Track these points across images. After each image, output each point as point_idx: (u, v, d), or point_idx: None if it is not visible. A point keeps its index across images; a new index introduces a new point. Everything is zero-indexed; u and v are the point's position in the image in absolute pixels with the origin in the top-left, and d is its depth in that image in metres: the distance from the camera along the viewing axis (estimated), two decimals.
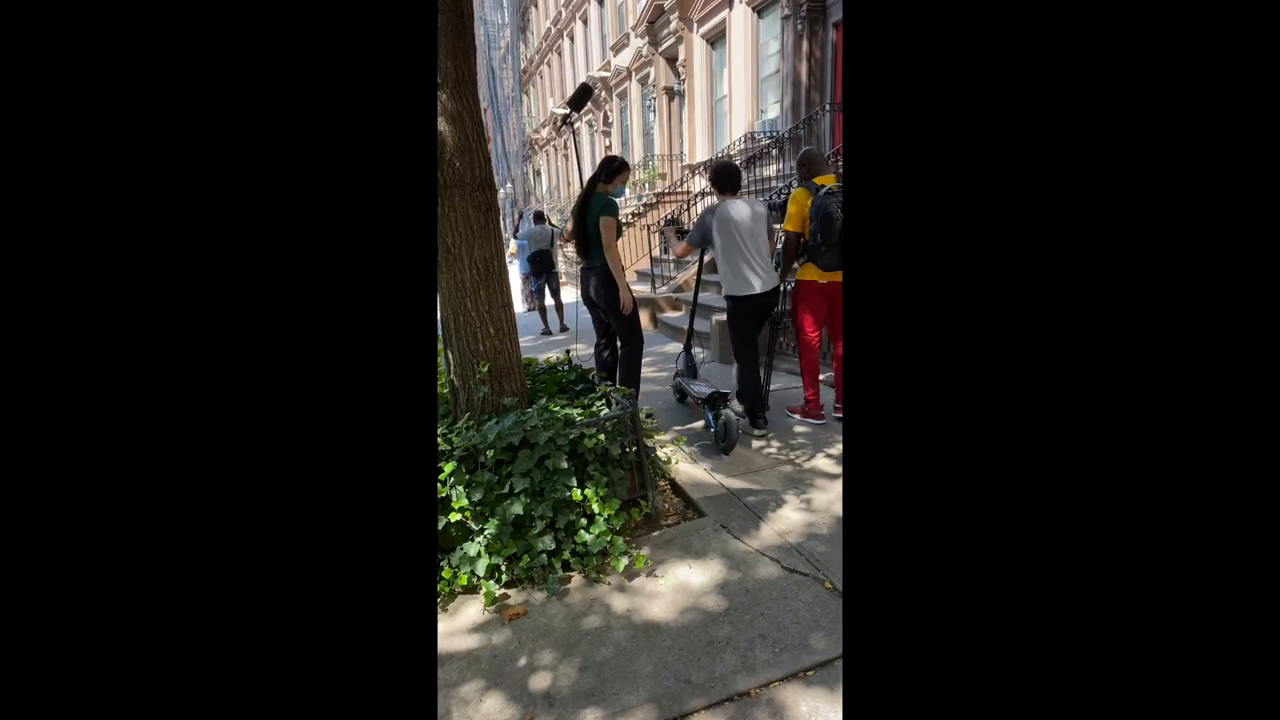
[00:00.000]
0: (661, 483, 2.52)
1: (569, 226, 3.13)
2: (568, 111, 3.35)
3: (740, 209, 2.84)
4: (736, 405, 2.79)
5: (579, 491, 1.97)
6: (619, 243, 3.04)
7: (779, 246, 3.30)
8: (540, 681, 1.52)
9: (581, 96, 3.33)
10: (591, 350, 3.43)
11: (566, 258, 11.31)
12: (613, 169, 3.05)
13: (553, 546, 1.91)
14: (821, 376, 3.28)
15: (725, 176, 2.91)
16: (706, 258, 3.75)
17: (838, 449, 2.76)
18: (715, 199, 3.02)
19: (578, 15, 17.56)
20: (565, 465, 1.96)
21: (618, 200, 3.17)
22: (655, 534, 2.17)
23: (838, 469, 2.56)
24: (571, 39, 18.43)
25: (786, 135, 8.18)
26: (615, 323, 3.13)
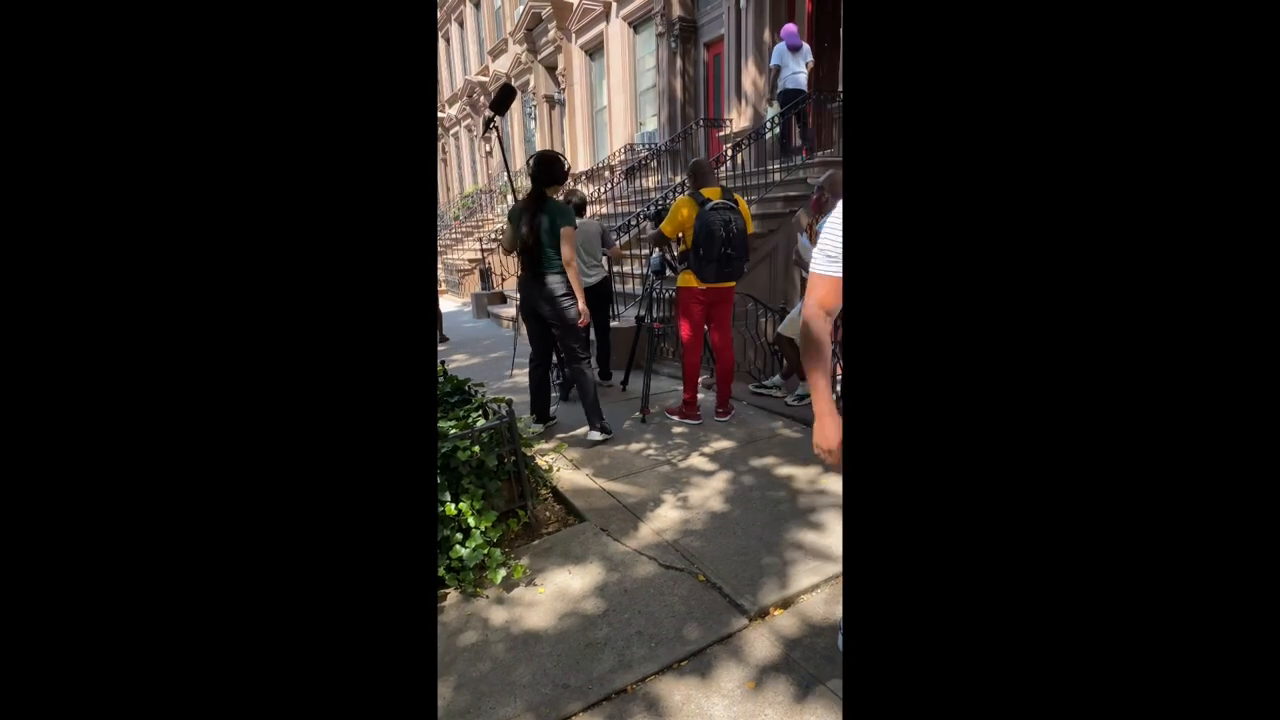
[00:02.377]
0: (543, 491, 2.51)
1: (504, 233, 2.94)
2: (491, 115, 3.04)
3: (581, 225, 3.70)
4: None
5: (453, 506, 1.92)
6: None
7: (653, 254, 3.48)
8: None
9: (504, 98, 3.04)
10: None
11: (445, 265, 10.92)
12: (565, 172, 2.92)
13: None
14: (701, 379, 3.43)
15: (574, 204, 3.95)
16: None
17: (712, 447, 2.90)
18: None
19: (453, 17, 17.06)
20: (436, 480, 1.89)
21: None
22: (535, 542, 2.15)
23: (712, 466, 2.69)
24: (448, 40, 17.86)
25: (664, 148, 8.46)
26: (565, 336, 2.96)
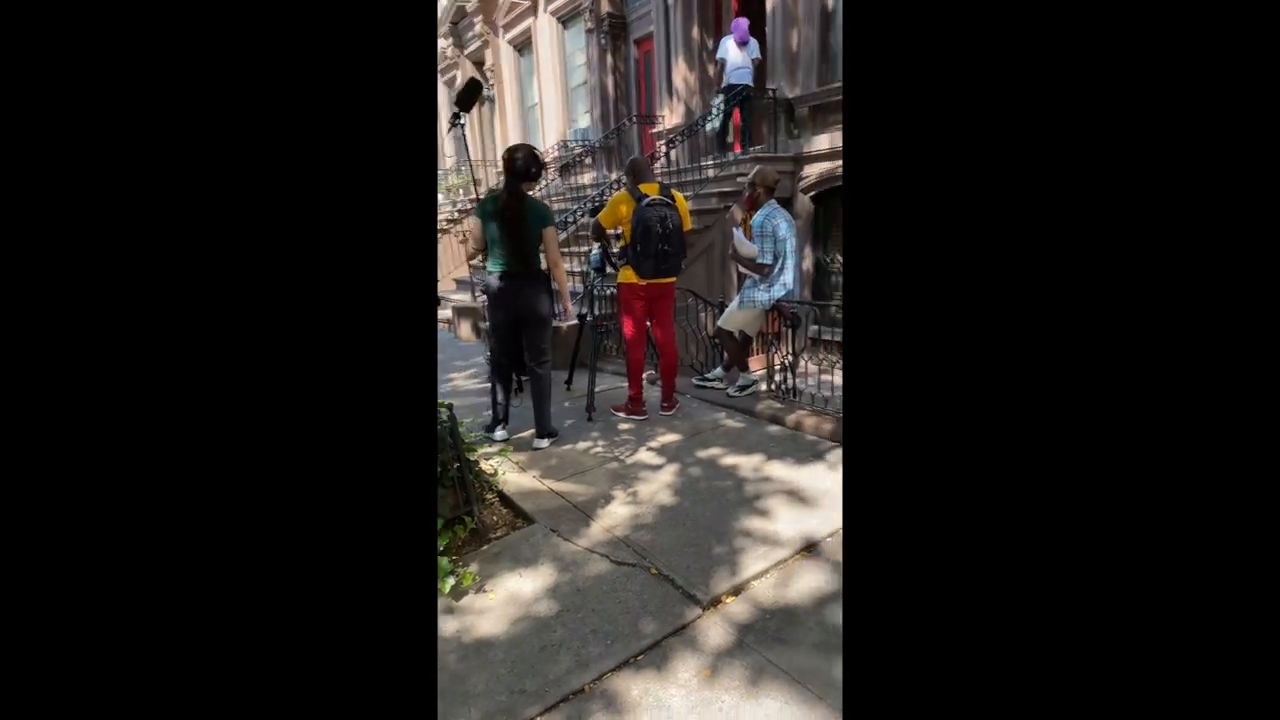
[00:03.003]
0: (489, 495, 2.45)
1: (473, 232, 2.78)
2: (457, 111, 2.84)
3: None
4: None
5: None
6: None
7: (594, 251, 3.48)
8: None
9: (470, 94, 2.82)
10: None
11: None
12: (541, 167, 2.83)
13: None
14: (646, 374, 3.44)
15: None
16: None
17: (659, 441, 2.92)
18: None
19: None
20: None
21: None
22: (484, 548, 2.11)
23: (660, 460, 2.71)
24: None
25: (598, 144, 8.43)
26: (539, 339, 2.85)
